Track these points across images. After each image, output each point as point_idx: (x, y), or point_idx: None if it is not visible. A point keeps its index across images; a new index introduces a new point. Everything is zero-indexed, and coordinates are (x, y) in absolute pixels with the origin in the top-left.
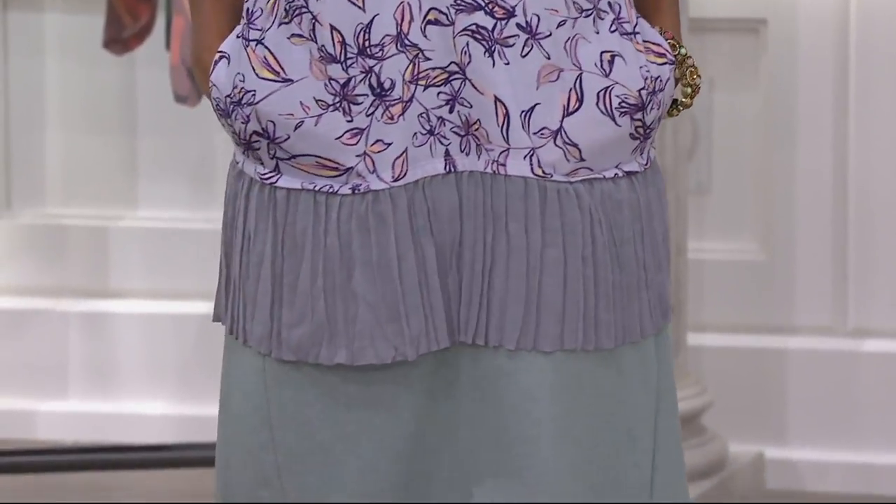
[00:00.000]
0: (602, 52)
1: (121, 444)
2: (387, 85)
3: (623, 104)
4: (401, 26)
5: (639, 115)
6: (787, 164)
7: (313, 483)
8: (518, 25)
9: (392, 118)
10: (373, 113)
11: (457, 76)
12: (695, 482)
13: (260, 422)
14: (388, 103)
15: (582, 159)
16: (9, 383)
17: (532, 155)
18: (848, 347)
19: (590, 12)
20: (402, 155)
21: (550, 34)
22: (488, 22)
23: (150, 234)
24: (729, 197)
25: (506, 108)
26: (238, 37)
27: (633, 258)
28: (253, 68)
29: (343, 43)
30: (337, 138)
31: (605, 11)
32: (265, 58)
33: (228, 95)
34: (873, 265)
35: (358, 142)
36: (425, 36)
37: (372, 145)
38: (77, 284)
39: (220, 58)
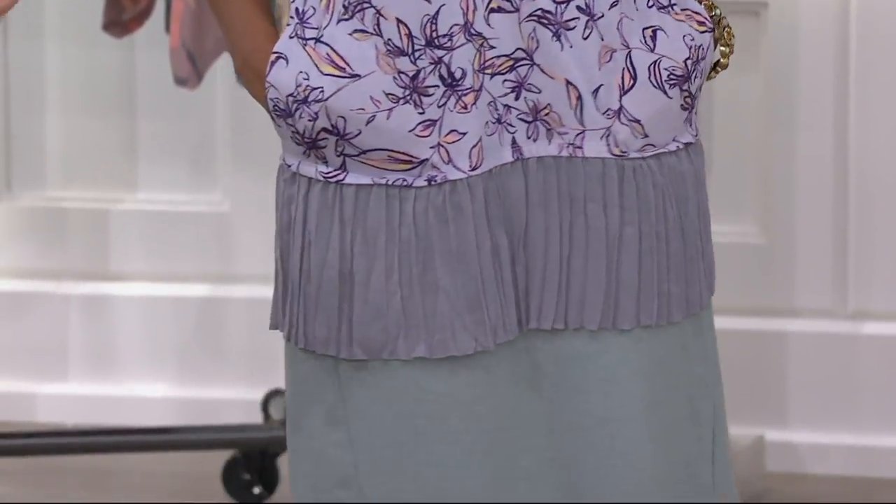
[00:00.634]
0: (644, 28)
1: (121, 427)
2: (458, 74)
3: (672, 76)
4: (467, 15)
5: (686, 86)
6: (787, 147)
7: (389, 480)
8: (578, 8)
9: (465, 107)
10: (445, 104)
11: (523, 62)
12: None
13: (335, 422)
14: (460, 93)
15: (646, 135)
16: (9, 366)
17: (608, 134)
18: (848, 330)
19: None
20: (477, 144)
21: (604, 15)
22: (551, 6)
23: (150, 216)
24: (729, 180)
25: (578, 91)
26: (291, 37)
27: (693, 229)
28: (316, 65)
29: (410, 35)
30: (410, 131)
31: None
32: (328, 54)
33: (291, 94)
34: (873, 248)
35: (431, 133)
36: (489, 24)
37: (446, 136)
38: (77, 267)
39: (277, 58)
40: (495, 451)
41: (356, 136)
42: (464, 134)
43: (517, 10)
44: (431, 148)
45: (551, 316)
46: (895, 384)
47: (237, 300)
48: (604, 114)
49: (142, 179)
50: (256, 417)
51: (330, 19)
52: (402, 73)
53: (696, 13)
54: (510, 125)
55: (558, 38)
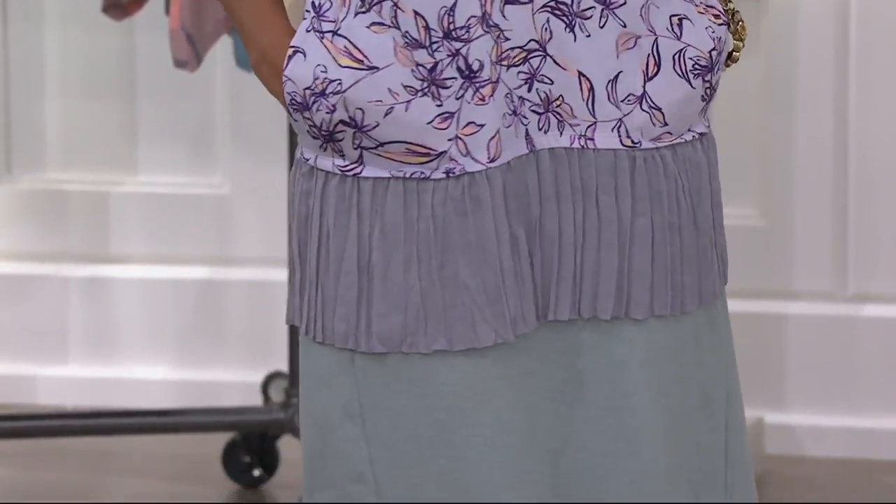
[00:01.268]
0: (671, 16)
1: (121, 409)
2: (475, 66)
3: (696, 66)
4: (485, 6)
5: (709, 77)
6: (787, 130)
7: (407, 475)
8: None
9: (483, 99)
10: (462, 96)
11: (536, 54)
12: None
13: (350, 417)
14: (478, 85)
15: (665, 123)
16: (9, 348)
17: (619, 126)
18: (847, 313)
19: None
20: (495, 136)
21: (625, 3)
22: None
23: (150, 199)
24: (729, 162)
25: (590, 83)
26: (308, 31)
27: (707, 220)
28: (334, 58)
29: (427, 28)
30: (428, 123)
31: None
32: (346, 47)
33: (308, 87)
34: (873, 231)
35: (449, 125)
36: (504, 16)
37: (464, 128)
38: (77, 250)
39: (295, 52)
40: (515, 445)
41: (374, 128)
42: (481, 126)
43: (531, 1)
44: (449, 140)
45: (567, 307)
46: (894, 367)
47: (237, 283)
48: (624, 100)
49: (142, 162)
50: (256, 400)
51: (347, 12)
52: (420, 65)
53: (712, 6)
54: (524, 117)
55: (571, 29)
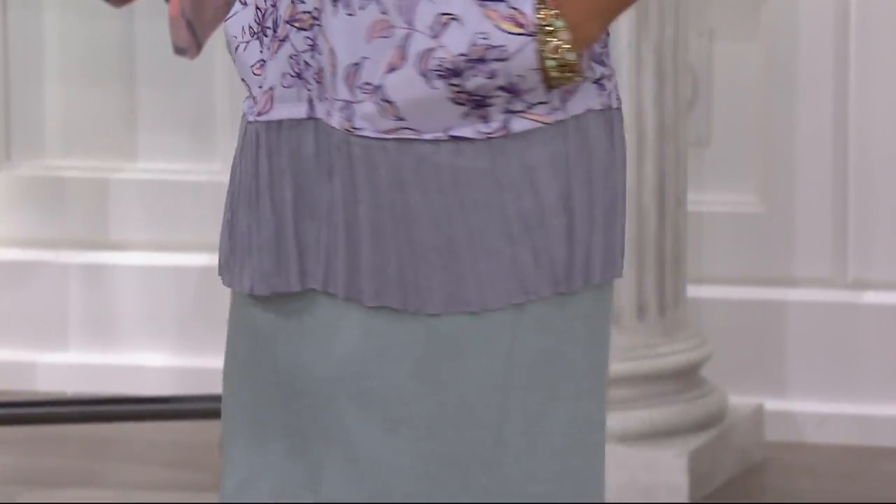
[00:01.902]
0: (441, 14)
1: (121, 396)
2: (275, 23)
3: (440, 67)
4: None
5: (456, 81)
6: (787, 116)
7: (226, 405)
8: None
9: (273, 55)
10: (270, 48)
11: (317, 23)
12: (694, 434)
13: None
14: (271, 40)
15: (400, 118)
16: (9, 335)
17: (346, 108)
18: (847, 299)
19: None
20: (268, 91)
21: None
22: None
23: (149, 185)
24: (729, 149)
25: (335, 60)
26: None
27: (463, 225)
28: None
29: None
30: (251, 66)
31: None
32: None
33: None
34: (873, 217)
35: (262, 73)
36: None
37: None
38: (77, 236)
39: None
40: (252, 386)
41: (236, 61)
42: (265, 80)
43: None
44: (260, 87)
45: (321, 278)
46: (894, 353)
47: None
48: (360, 87)
49: (141, 149)
50: None
51: None
52: (259, 9)
53: (519, 13)
54: (308, 82)
55: (335, 4)
